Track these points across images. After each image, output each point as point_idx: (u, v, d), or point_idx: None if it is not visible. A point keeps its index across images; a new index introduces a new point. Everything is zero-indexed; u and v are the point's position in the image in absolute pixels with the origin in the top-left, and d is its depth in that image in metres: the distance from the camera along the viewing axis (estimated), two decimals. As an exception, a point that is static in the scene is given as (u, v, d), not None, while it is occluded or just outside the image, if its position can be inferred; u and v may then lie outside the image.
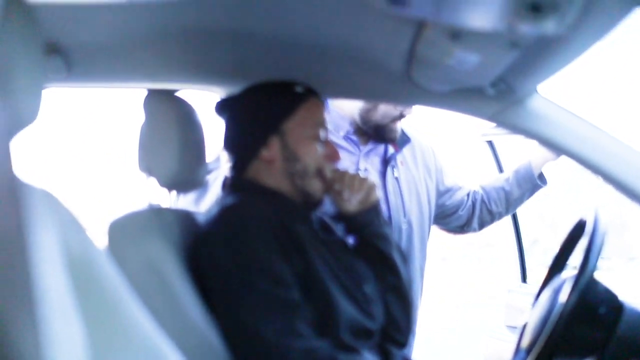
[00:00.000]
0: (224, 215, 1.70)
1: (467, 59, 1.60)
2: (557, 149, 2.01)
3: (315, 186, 1.85)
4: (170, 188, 1.82)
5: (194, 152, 1.83)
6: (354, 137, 2.53)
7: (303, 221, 1.80)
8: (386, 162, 2.57)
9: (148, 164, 1.80)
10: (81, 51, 1.83)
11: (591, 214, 1.77)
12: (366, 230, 1.91)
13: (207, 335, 1.57)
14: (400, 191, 2.55)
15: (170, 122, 1.79)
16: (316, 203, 1.88)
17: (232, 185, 1.87)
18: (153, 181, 1.82)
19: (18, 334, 0.82)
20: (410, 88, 1.97)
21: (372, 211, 1.92)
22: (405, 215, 2.48)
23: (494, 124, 2.08)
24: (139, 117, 1.87)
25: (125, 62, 1.95)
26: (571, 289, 1.59)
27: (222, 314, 1.61)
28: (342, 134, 2.52)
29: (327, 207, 2.09)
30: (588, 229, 1.70)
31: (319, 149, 1.86)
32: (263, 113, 1.84)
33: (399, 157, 2.60)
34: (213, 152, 2.27)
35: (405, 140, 2.61)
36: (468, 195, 2.80)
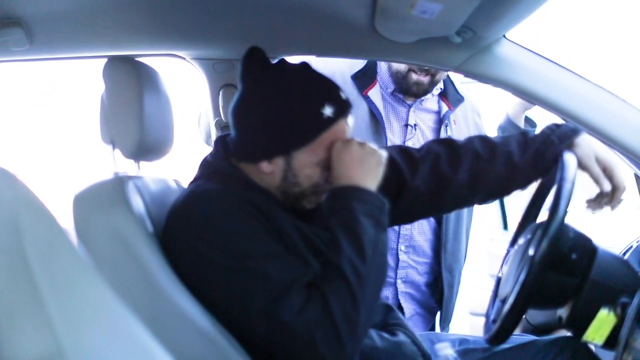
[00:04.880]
0: (194, 201, 1.63)
1: (429, 7, 1.58)
2: (528, 96, 1.99)
3: (308, 202, 1.75)
4: (135, 158, 1.78)
5: (159, 119, 1.78)
6: (400, 94, 2.57)
7: (283, 211, 1.70)
8: (441, 120, 2.60)
9: (111, 135, 1.77)
10: (42, 21, 1.79)
11: (561, 160, 1.75)
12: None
13: (179, 303, 1.54)
14: None
15: (132, 89, 1.72)
16: (305, 212, 1.77)
17: (212, 168, 1.76)
18: (118, 153, 1.78)
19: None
20: (377, 41, 1.94)
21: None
22: None
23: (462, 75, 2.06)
24: (99, 87, 1.83)
25: (87, 31, 1.91)
26: (541, 236, 1.58)
27: (201, 295, 1.57)
28: (389, 90, 2.57)
29: None
30: (558, 174, 1.68)
31: (324, 173, 1.71)
32: (279, 133, 1.66)
33: (452, 116, 2.63)
34: (181, 117, 2.24)
35: (459, 99, 2.64)
36: None
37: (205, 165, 1.78)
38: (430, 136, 2.60)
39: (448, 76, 2.61)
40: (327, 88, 1.69)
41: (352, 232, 1.56)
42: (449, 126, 2.60)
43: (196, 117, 2.77)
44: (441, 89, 2.61)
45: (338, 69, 2.54)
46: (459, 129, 2.64)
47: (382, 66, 2.57)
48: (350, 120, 1.71)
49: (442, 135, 2.58)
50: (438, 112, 2.63)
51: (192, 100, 2.81)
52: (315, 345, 1.49)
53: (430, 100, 2.62)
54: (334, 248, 1.56)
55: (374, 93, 2.53)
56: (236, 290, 1.54)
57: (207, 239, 1.57)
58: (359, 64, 2.55)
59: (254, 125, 1.69)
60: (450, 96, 2.61)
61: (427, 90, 2.52)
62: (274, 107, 1.66)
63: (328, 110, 1.64)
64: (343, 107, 1.68)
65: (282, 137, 1.66)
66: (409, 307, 2.61)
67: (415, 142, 2.56)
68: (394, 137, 2.55)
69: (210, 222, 1.58)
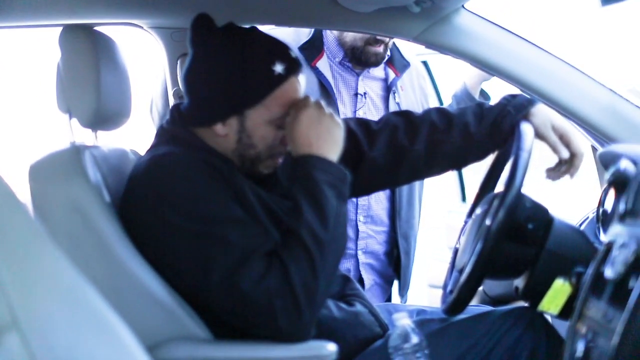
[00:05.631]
0: (155, 168, 1.62)
1: (388, -24, 1.57)
2: (486, 67, 2.00)
3: (265, 166, 1.74)
4: (92, 127, 1.76)
5: (116, 88, 1.76)
6: (348, 63, 2.55)
7: (243, 178, 1.69)
8: (388, 87, 2.61)
9: (68, 104, 1.74)
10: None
11: (517, 129, 1.76)
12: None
13: (137, 274, 1.54)
14: None
15: (88, 58, 1.71)
16: (262, 177, 1.76)
17: (168, 135, 1.74)
18: (75, 123, 1.76)
19: None
20: (336, 11, 1.93)
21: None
22: None
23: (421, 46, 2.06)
24: (55, 55, 1.80)
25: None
26: (497, 206, 1.59)
27: (161, 263, 1.58)
28: (337, 60, 2.55)
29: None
30: (514, 144, 1.69)
31: (278, 133, 1.70)
32: (231, 92, 1.66)
33: (399, 82, 2.63)
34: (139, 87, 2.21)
35: (405, 64, 2.64)
36: None
37: (162, 132, 1.77)
38: (379, 104, 2.60)
39: (394, 42, 2.61)
40: (276, 46, 1.71)
41: (315, 201, 1.57)
42: (396, 93, 2.61)
43: (148, 104, 2.74)
44: (388, 55, 2.60)
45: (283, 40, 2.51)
46: (407, 95, 2.66)
47: (329, 35, 2.55)
48: (302, 79, 1.72)
49: (391, 102, 2.59)
50: (385, 80, 2.63)
51: (150, 70, 2.77)
52: (275, 315, 1.50)
53: (377, 68, 2.61)
54: (295, 216, 1.57)
55: (322, 64, 2.52)
56: (197, 256, 1.54)
57: (169, 202, 1.57)
58: (304, 35, 2.53)
59: (205, 88, 1.69)
60: (397, 62, 2.62)
61: (384, 57, 2.52)
62: (224, 67, 1.66)
63: (279, 68, 1.66)
64: (294, 65, 1.69)
65: (234, 96, 1.66)
66: (368, 278, 2.62)
67: (365, 111, 2.57)
68: (345, 107, 2.55)
69: (173, 185, 1.58)
